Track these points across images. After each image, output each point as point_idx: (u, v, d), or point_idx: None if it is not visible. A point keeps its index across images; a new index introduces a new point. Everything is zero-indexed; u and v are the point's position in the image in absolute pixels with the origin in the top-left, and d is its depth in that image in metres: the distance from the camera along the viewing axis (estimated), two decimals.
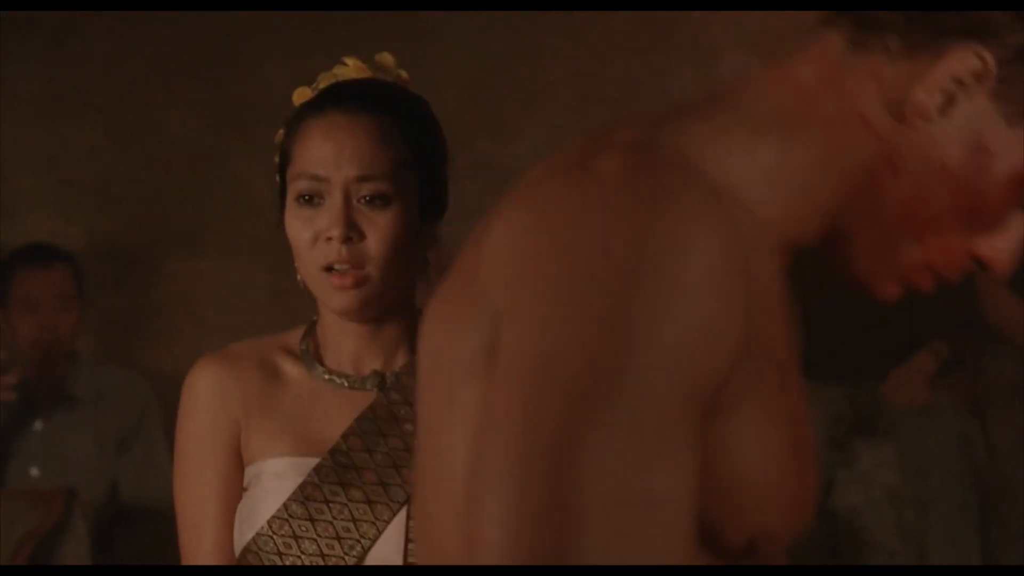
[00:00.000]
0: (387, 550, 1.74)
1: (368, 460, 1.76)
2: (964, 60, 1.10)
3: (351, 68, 1.84)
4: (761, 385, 1.03)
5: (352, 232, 1.74)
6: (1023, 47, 1.09)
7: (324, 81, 1.83)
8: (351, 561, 1.74)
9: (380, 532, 1.74)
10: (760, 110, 1.12)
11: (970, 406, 3.88)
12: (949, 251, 1.15)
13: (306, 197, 1.76)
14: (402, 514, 1.74)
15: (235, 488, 1.80)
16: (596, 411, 0.93)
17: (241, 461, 1.80)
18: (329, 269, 1.75)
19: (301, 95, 1.83)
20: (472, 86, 4.16)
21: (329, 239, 1.74)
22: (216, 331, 3.98)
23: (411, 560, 1.73)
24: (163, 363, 3.90)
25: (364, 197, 1.75)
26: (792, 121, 1.12)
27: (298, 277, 1.79)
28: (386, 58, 1.87)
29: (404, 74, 1.87)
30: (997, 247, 1.15)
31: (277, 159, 1.82)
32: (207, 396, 1.81)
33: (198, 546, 1.81)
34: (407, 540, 1.74)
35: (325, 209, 1.75)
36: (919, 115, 1.10)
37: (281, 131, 1.83)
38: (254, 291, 3.96)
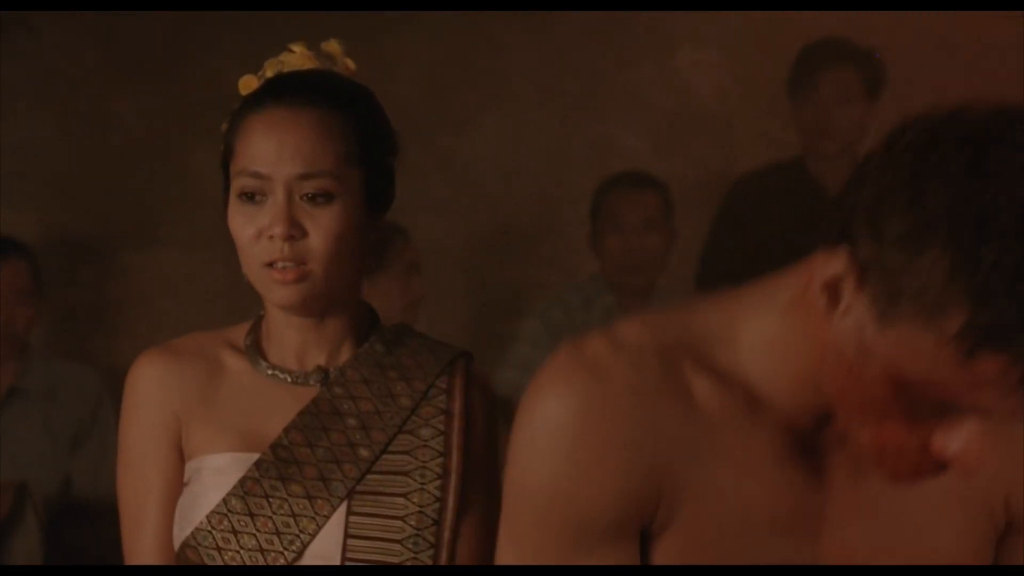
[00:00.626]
0: (327, 545, 1.72)
1: (309, 455, 1.75)
2: (827, 264, 1.23)
3: (297, 56, 1.82)
4: (707, 494, 1.29)
5: (295, 230, 1.72)
6: (879, 255, 1.19)
7: (270, 68, 1.81)
8: (290, 556, 1.73)
9: (320, 527, 1.73)
10: (779, 299, 1.30)
11: None
12: (897, 441, 1.24)
13: (248, 194, 1.74)
14: (342, 509, 1.73)
15: (176, 483, 1.78)
16: (511, 534, 1.34)
17: (182, 456, 1.78)
18: (271, 265, 1.73)
19: (247, 84, 1.80)
20: (431, 80, 4.14)
21: (272, 237, 1.72)
22: (171, 324, 3.95)
23: (349, 555, 1.72)
24: (117, 356, 3.87)
25: (306, 195, 1.72)
26: (795, 309, 1.29)
27: (243, 270, 1.78)
28: (332, 46, 1.84)
29: (351, 64, 1.85)
30: (947, 445, 1.22)
31: (222, 148, 1.80)
32: (149, 391, 1.79)
33: (139, 541, 1.79)
34: (346, 535, 1.72)
35: (267, 207, 1.73)
36: (819, 312, 1.25)
37: (225, 124, 1.80)
38: (209, 283, 3.93)
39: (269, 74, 1.81)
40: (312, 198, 1.73)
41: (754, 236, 3.89)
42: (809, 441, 1.30)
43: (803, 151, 3.91)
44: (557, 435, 1.28)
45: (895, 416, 1.23)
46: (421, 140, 4.01)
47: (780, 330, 1.29)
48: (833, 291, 1.23)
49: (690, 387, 1.30)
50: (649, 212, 3.76)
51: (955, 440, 1.22)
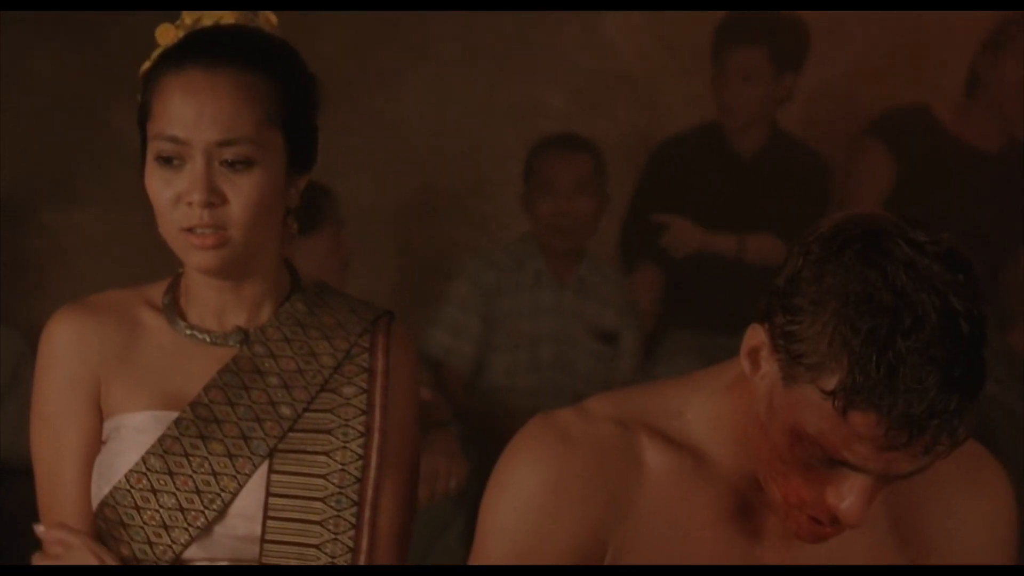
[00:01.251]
0: (248, 504, 1.71)
1: (230, 413, 1.74)
2: (752, 336, 1.46)
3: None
4: (651, 544, 1.51)
5: (214, 197, 1.69)
6: (785, 325, 1.42)
7: (188, 16, 1.77)
8: (211, 515, 1.71)
9: (241, 486, 1.72)
10: (724, 378, 1.52)
11: None
12: (800, 494, 1.44)
13: (166, 158, 1.71)
14: (263, 468, 1.72)
15: (95, 442, 1.76)
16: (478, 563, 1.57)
17: (101, 414, 1.76)
18: (190, 230, 1.71)
19: (164, 33, 1.76)
20: (356, 38, 4.11)
21: (190, 203, 1.69)
22: (92, 283, 3.88)
23: (271, 514, 1.71)
24: (37, 315, 3.80)
25: (226, 161, 1.70)
26: (737, 386, 1.50)
27: (160, 232, 1.75)
28: None
29: (272, 17, 1.81)
30: (833, 501, 1.42)
31: (139, 99, 1.76)
32: (65, 348, 1.76)
33: (57, 501, 1.77)
34: (268, 494, 1.71)
35: (186, 172, 1.70)
36: (748, 377, 1.47)
37: (141, 77, 1.76)
38: (130, 242, 3.88)
39: (188, 22, 1.77)
40: (232, 164, 1.70)
41: (674, 201, 3.90)
42: (749, 504, 1.51)
43: (724, 113, 3.94)
44: (525, 493, 1.52)
45: (795, 468, 1.43)
46: (346, 99, 3.98)
47: (723, 404, 1.51)
48: (754, 358, 1.46)
49: (643, 452, 1.52)
50: (581, 175, 3.76)
51: (845, 495, 1.42)
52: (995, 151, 3.83)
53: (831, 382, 1.38)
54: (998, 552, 1.55)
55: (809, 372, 1.40)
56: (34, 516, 1.79)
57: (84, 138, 4.02)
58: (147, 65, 1.76)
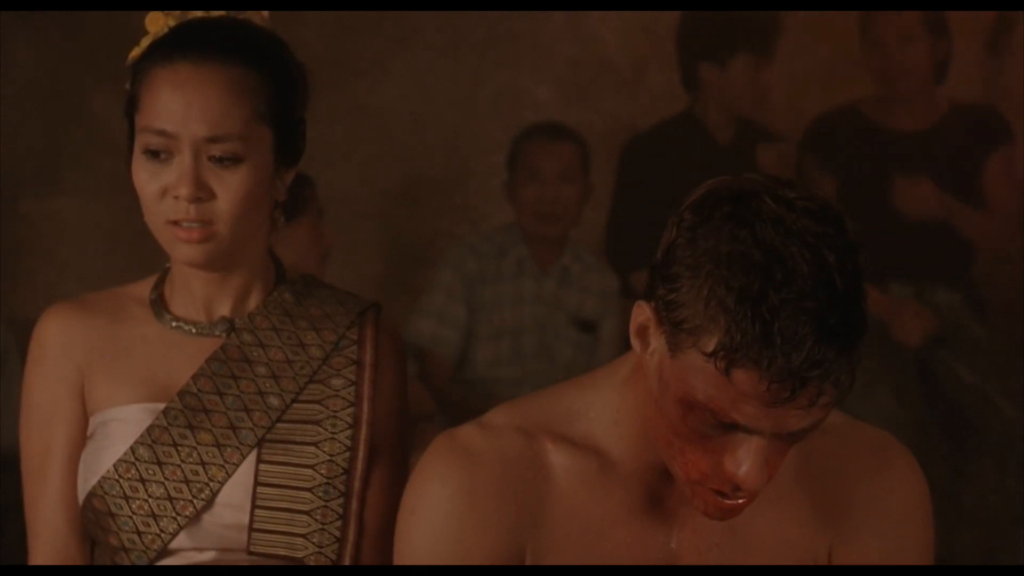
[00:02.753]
0: (236, 493, 1.72)
1: (218, 403, 1.74)
2: (638, 314, 1.46)
3: None
4: (567, 548, 1.52)
5: (201, 192, 1.69)
6: (666, 296, 1.43)
7: (173, 19, 1.76)
8: (199, 504, 1.71)
9: (229, 475, 1.72)
10: (621, 372, 1.53)
11: None
12: (699, 468, 1.45)
13: (153, 151, 1.70)
14: (252, 457, 1.72)
15: (80, 438, 1.77)
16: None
17: (86, 410, 1.76)
18: (176, 223, 1.71)
19: (153, 20, 1.76)
20: (338, 28, 4.10)
21: (177, 197, 1.69)
22: (74, 272, 3.89)
23: (259, 503, 1.71)
24: (17, 306, 3.80)
25: (214, 156, 1.69)
26: (633, 377, 1.51)
27: (147, 223, 1.75)
28: None
29: (264, 12, 1.80)
30: (731, 468, 1.43)
31: (126, 95, 1.76)
32: (52, 345, 1.77)
33: (42, 494, 1.77)
34: (256, 483, 1.71)
35: (173, 166, 1.69)
36: (639, 356, 1.47)
37: (129, 66, 1.76)
38: (113, 231, 3.87)
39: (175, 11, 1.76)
40: (219, 160, 1.69)
41: (658, 193, 3.91)
42: (659, 495, 1.52)
43: (701, 105, 3.93)
44: (438, 514, 1.52)
45: (691, 441, 1.44)
46: (329, 87, 3.96)
47: (623, 397, 1.52)
48: (643, 336, 1.46)
49: (548, 457, 1.53)
50: (566, 163, 3.77)
51: (742, 460, 1.42)
52: (912, 130, 3.86)
53: (711, 343, 1.39)
54: (917, 535, 1.56)
55: (691, 337, 1.40)
56: (14, 506, 1.79)
57: (65, 127, 4.00)
58: (136, 52, 1.75)
